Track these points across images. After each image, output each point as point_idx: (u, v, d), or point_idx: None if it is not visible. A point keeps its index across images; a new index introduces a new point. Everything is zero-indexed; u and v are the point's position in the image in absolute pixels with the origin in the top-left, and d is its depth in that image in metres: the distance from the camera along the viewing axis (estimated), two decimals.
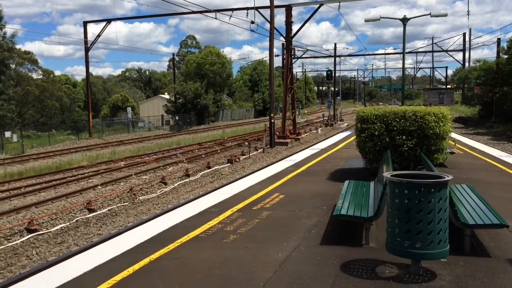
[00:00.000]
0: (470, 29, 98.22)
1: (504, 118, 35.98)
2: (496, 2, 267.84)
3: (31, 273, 5.32)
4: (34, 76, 52.31)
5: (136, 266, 5.23)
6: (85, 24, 40.68)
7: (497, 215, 5.52)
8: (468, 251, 5.37)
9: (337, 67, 56.12)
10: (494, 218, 5.42)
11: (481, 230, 6.00)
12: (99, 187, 16.12)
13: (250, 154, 23.12)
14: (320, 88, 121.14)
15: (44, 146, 33.35)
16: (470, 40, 56.82)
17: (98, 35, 39.11)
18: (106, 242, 6.38)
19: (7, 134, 31.65)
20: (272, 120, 26.11)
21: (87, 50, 40.31)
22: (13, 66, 48.04)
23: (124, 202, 14.07)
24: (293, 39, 30.48)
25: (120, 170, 19.94)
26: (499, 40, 43.93)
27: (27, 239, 10.65)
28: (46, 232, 11.17)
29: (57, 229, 11.42)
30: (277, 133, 27.77)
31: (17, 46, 49.22)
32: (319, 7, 29.66)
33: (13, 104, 44.40)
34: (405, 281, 4.61)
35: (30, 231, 11.06)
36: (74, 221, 12.09)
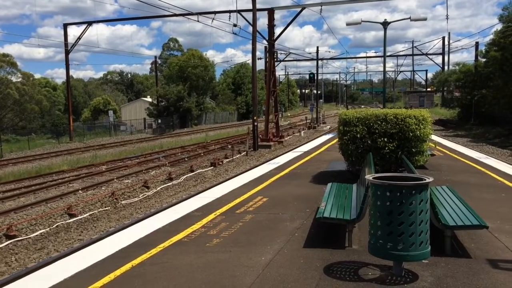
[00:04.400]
0: (449, 33, 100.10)
1: (483, 120, 36.64)
2: (475, 6, 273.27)
3: (10, 280, 5.20)
4: (13, 79, 51.37)
5: (118, 272, 5.16)
6: (65, 26, 40.15)
7: (477, 216, 5.61)
8: (449, 252, 5.44)
9: (320, 70, 56.64)
10: (474, 219, 5.51)
11: (462, 231, 6.08)
12: (80, 191, 15.89)
13: (234, 157, 23.08)
14: (303, 91, 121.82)
15: (23, 150, 32.76)
16: (449, 44, 57.85)
17: (79, 38, 38.70)
18: (87, 247, 6.29)
19: None
20: (255, 123, 26.12)
21: (67, 52, 39.80)
22: None
23: (105, 207, 13.89)
24: (276, 42, 30.62)
25: (102, 174, 19.70)
26: (477, 43, 44.80)
27: (5, 245, 10.43)
28: (26, 238, 10.96)
29: (36, 235, 11.21)
30: (260, 136, 27.78)
31: None
32: (301, 11, 29.84)
33: None
34: (388, 283, 4.64)
35: (9, 237, 10.84)
36: (54, 226, 11.89)
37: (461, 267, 5.06)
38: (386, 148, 9.95)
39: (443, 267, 5.04)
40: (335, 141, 17.62)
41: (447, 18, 33.40)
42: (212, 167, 20.52)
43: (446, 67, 56.17)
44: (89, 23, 38.57)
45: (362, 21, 22.30)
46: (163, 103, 53.93)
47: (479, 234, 6.14)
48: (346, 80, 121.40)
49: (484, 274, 4.85)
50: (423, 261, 4.95)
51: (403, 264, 4.76)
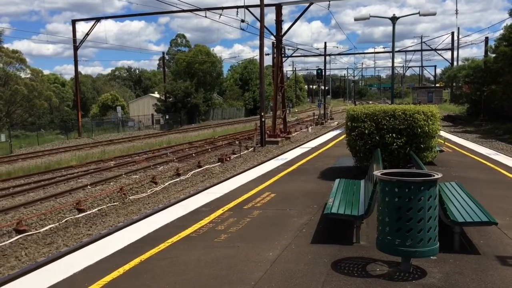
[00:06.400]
0: (458, 28, 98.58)
1: (492, 116, 36.34)
2: (485, 1, 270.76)
3: (20, 274, 5.26)
4: (22, 75, 51.56)
5: (127, 267, 5.20)
6: (73, 22, 40.31)
7: (486, 212, 5.57)
8: (458, 249, 5.41)
9: (327, 66, 56.48)
10: (483, 215, 5.47)
11: (470, 228, 6.05)
12: (88, 187, 16.01)
13: (241, 153, 23.10)
14: (311, 86, 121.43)
15: (32, 146, 33.03)
16: (458, 39, 57.18)
17: (87, 34, 38.86)
18: (96, 242, 6.34)
19: None
20: (263, 119, 26.11)
21: (76, 49, 40.00)
22: (0, 65, 47.49)
23: (114, 202, 13.98)
24: (284, 37, 30.53)
25: (110, 170, 19.82)
26: (487, 39, 44.34)
27: (15, 239, 10.54)
28: (35, 233, 11.06)
29: (46, 230, 11.31)
30: (267, 132, 27.77)
31: (5, 45, 48.74)
32: (309, 6, 29.69)
33: (0, 103, 43.87)
34: (396, 279, 4.63)
35: (18, 231, 10.94)
36: (63, 221, 11.99)
37: (469, 263, 5.03)
38: (395, 144, 9.91)
39: (452, 264, 5.02)
40: (342, 137, 17.57)
41: (456, 13, 33.18)
42: (219, 163, 20.56)
43: (455, 63, 55.64)
44: (98, 19, 38.72)
45: (370, 16, 22.16)
46: (170, 99, 54.03)
47: (488, 231, 6.11)
48: (354, 76, 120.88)
49: (493, 271, 4.83)
50: (432, 257, 4.92)
51: (411, 261, 4.75)
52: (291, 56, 57.04)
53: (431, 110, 10.12)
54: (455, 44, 57.15)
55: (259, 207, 7.93)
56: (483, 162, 13.19)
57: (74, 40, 39.64)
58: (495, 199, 8.07)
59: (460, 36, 57.32)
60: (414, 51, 74.97)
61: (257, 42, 28.55)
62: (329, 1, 28.35)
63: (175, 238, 6.24)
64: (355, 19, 22.87)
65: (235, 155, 22.68)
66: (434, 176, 4.48)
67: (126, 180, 17.29)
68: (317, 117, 44.94)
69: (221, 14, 29.39)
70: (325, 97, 49.68)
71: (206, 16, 30.02)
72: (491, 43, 40.73)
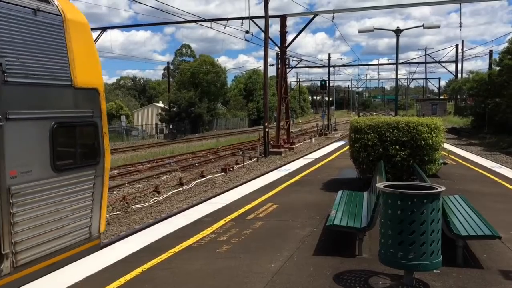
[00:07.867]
0: (462, 40, 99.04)
1: (497, 129, 36.22)
2: (490, 14, 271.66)
3: (21, 283, 5.24)
4: None
5: (128, 276, 5.19)
6: None
7: (490, 226, 5.54)
8: (461, 262, 5.37)
9: (331, 77, 56.42)
10: (486, 229, 5.44)
11: (474, 241, 6.02)
12: None
13: (244, 163, 23.10)
14: (314, 97, 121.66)
15: None
16: (463, 52, 57.42)
17: None
18: (98, 251, 6.33)
19: None
20: (266, 130, 26.14)
21: None
22: None
23: (116, 211, 13.97)
24: (288, 49, 30.69)
25: (113, 179, 19.79)
26: (491, 52, 44.57)
27: None
28: None
29: None
30: (271, 142, 27.78)
31: None
32: (313, 18, 29.85)
33: None
34: None
35: None
36: None
37: (473, 277, 5.00)
38: (398, 156, 9.89)
39: (455, 278, 4.99)
40: (346, 148, 17.55)
41: (460, 26, 33.22)
42: (222, 173, 20.55)
43: (459, 75, 55.73)
44: (104, 29, 38.87)
45: (374, 28, 22.29)
46: (174, 109, 54.26)
47: (491, 245, 6.07)
48: (358, 87, 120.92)
49: (496, 285, 4.79)
50: (435, 271, 4.89)
51: (414, 274, 4.72)
52: (295, 67, 57.20)
53: (435, 123, 10.11)
54: (460, 57, 57.33)
55: (262, 218, 7.92)
56: (487, 175, 13.13)
57: None
58: (498, 213, 8.02)
59: (464, 49, 57.56)
60: (418, 63, 74.73)
61: (262, 53, 28.72)
62: (333, 13, 28.51)
63: (177, 248, 6.22)
64: (359, 31, 23.03)
65: (238, 165, 22.68)
66: (437, 189, 4.48)
67: (129, 189, 17.28)
68: (320, 128, 44.97)
69: (226, 25, 29.53)
70: (328, 108, 49.75)
71: (211, 27, 30.19)
72: (496, 56, 40.84)
